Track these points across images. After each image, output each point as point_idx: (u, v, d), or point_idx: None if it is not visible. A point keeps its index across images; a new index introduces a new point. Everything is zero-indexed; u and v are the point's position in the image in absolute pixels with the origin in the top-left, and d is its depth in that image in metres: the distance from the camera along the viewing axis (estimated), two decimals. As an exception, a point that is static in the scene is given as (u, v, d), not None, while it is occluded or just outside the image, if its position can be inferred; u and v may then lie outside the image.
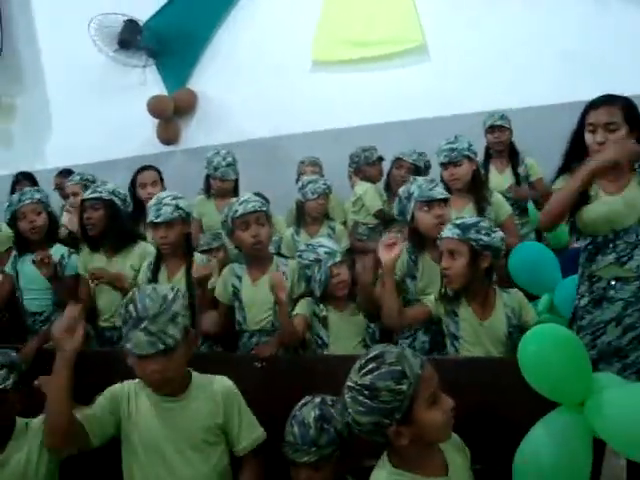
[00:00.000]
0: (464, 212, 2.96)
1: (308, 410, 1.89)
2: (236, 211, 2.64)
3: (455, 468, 1.62)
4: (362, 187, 4.15)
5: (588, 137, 2.25)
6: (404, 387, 1.48)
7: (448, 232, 2.35)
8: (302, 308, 2.59)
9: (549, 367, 1.82)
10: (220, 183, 3.79)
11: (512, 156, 4.11)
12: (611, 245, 2.27)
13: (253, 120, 5.66)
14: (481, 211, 3.03)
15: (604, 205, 2.27)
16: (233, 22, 5.83)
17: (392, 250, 2.36)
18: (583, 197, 2.28)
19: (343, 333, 2.58)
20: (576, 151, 2.34)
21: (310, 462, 1.83)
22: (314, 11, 5.43)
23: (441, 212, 2.61)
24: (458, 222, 2.36)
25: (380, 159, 4.31)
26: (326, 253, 2.56)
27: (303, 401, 1.94)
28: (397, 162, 4.10)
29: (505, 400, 2.02)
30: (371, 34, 5.30)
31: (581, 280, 2.40)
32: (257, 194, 4.52)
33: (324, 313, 2.57)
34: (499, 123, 4.06)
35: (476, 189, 3.14)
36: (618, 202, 2.26)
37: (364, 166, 4.27)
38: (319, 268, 2.54)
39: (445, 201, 2.64)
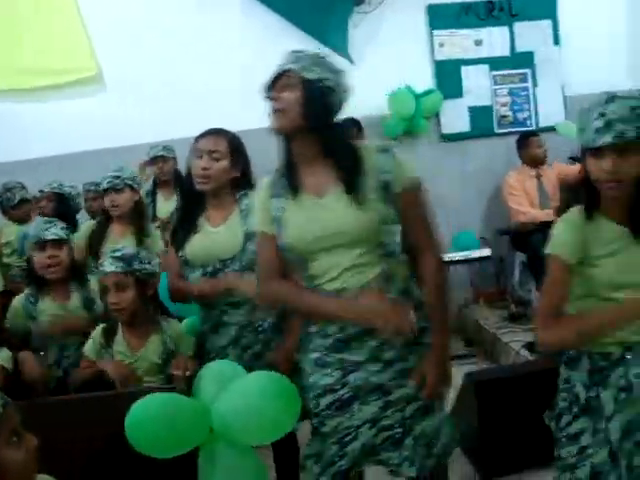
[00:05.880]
0: (124, 241, 3.02)
1: None
2: None
3: None
4: (10, 229, 3.95)
5: (195, 162, 2.32)
6: None
7: (111, 266, 2.35)
8: None
9: (167, 436, 1.90)
10: None
11: (178, 183, 4.22)
12: (220, 274, 2.34)
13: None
14: (140, 242, 3.11)
15: (209, 236, 2.35)
16: None
17: None
18: (191, 228, 2.37)
19: None
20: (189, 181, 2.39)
21: None
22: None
23: (52, 253, 2.67)
24: (119, 255, 2.37)
25: (25, 200, 4.16)
26: None
27: None
28: (41, 194, 4.01)
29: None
30: (42, 63, 5.10)
31: (201, 307, 2.48)
32: None
33: None
34: (161, 154, 4.19)
35: (137, 220, 3.20)
36: (222, 232, 2.35)
37: (8, 209, 4.08)
38: None
39: (59, 242, 2.68)
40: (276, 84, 1.78)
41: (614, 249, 1.74)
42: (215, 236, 2.35)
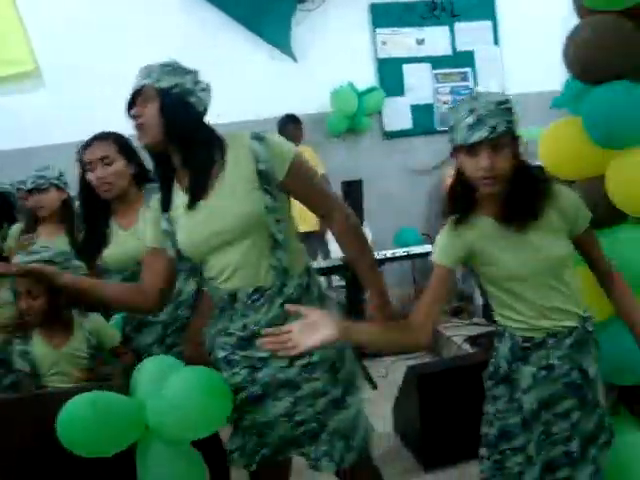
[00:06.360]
0: (55, 242, 2.93)
1: None
2: None
3: None
4: None
5: (90, 176, 2.29)
6: None
7: None
8: None
9: (100, 435, 1.84)
10: None
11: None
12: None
13: None
14: (73, 242, 3.00)
15: (125, 240, 2.32)
16: None
17: None
18: (101, 236, 2.36)
19: None
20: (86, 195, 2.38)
21: None
22: None
23: None
24: (33, 260, 2.25)
25: None
26: None
27: None
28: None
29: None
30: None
31: None
32: None
33: None
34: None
35: (67, 219, 3.12)
36: (135, 233, 2.31)
37: None
38: None
39: None
40: (135, 102, 1.78)
41: (502, 246, 1.78)
42: (130, 238, 2.32)
